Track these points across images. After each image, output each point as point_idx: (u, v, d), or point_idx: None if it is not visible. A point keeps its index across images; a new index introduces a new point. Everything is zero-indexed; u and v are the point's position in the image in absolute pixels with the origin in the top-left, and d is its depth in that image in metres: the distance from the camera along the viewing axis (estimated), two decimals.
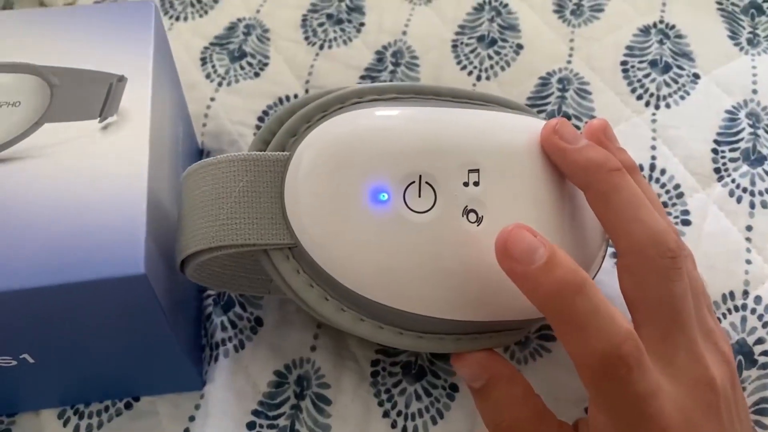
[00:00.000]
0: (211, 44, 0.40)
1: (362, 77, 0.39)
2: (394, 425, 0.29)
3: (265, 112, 0.37)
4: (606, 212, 0.24)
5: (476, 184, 0.23)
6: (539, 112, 0.37)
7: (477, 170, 0.23)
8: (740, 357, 0.29)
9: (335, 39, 0.40)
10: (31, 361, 0.26)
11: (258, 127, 0.37)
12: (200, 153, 0.36)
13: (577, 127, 0.36)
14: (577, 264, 0.22)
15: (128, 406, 0.30)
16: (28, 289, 0.22)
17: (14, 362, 0.26)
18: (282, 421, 0.29)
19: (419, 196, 0.22)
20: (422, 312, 0.23)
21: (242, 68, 0.39)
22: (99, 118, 0.26)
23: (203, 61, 0.39)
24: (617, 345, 0.21)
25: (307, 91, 0.38)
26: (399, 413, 0.29)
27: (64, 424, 0.29)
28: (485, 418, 0.25)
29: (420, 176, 0.22)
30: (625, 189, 0.24)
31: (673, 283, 0.23)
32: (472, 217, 0.22)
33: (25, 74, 0.27)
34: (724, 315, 0.30)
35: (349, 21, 0.41)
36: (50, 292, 0.22)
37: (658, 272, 0.23)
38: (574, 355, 0.22)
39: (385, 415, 0.29)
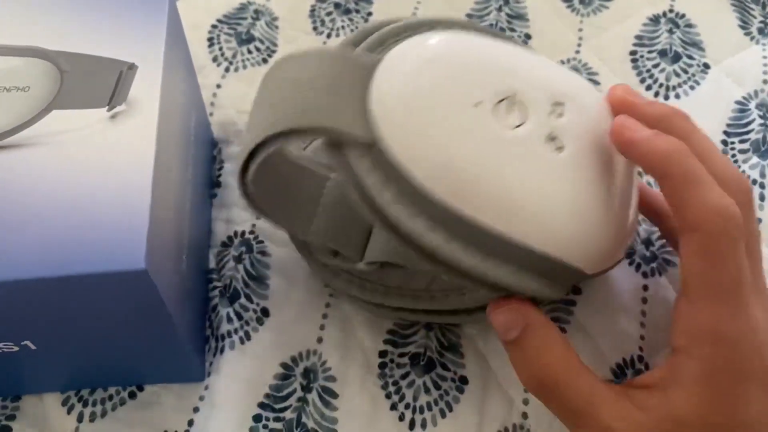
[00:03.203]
0: (219, 22, 0.40)
1: None
2: (401, 418, 0.29)
3: None
4: (685, 191, 0.23)
5: (560, 115, 0.24)
6: None
7: (562, 104, 0.24)
8: None
9: (342, 28, 0.40)
10: (33, 347, 0.25)
11: None
12: (213, 142, 0.36)
13: None
14: None
15: (132, 395, 0.29)
16: (28, 280, 0.22)
17: (16, 348, 0.25)
18: (288, 414, 0.29)
19: (510, 113, 0.23)
20: (495, 225, 0.23)
21: (250, 52, 0.39)
22: (107, 107, 0.26)
23: (210, 42, 0.39)
24: (731, 203, 0.22)
25: None
26: (407, 406, 0.29)
27: (68, 411, 0.29)
28: (519, 369, 0.25)
29: (510, 95, 0.23)
30: (698, 132, 0.25)
31: (750, 217, 0.24)
32: (555, 144, 0.23)
33: (35, 59, 0.26)
34: None
35: (357, 11, 0.40)
36: (51, 283, 0.22)
37: (733, 246, 0.23)
38: (690, 214, 0.23)
39: (393, 407, 0.29)
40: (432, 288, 0.28)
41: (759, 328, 0.23)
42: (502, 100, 0.23)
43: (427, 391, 0.29)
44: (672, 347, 0.24)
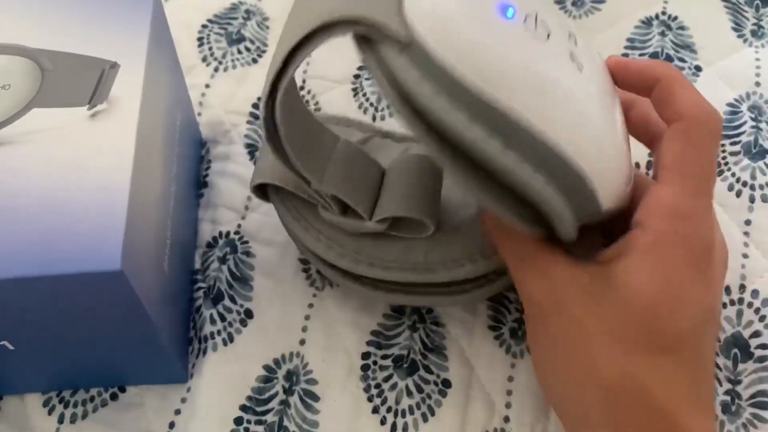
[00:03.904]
0: (210, 21, 0.39)
1: (360, 68, 0.38)
2: (383, 422, 0.28)
3: (260, 99, 0.37)
4: (674, 88, 0.25)
5: (575, 43, 0.25)
6: None
7: (574, 35, 0.25)
8: (736, 350, 0.29)
9: None
10: (11, 347, 0.25)
11: (253, 115, 0.36)
12: (201, 142, 0.36)
13: None
14: None
15: (114, 397, 0.29)
16: (3, 280, 0.22)
17: None
18: (270, 417, 0.29)
19: (535, 28, 0.24)
20: (533, 122, 0.23)
21: (240, 52, 0.38)
22: (88, 106, 0.25)
23: (200, 41, 0.39)
24: (715, 108, 0.25)
25: (304, 81, 0.38)
26: (389, 409, 0.29)
27: (49, 413, 0.29)
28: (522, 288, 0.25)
29: (537, 14, 0.24)
30: (681, 75, 0.26)
31: (716, 151, 0.25)
32: (576, 63, 0.24)
33: (16, 56, 0.26)
34: (724, 305, 0.30)
35: None
36: (27, 283, 0.22)
37: (711, 139, 0.25)
38: (679, 104, 0.25)
39: (375, 411, 0.29)
40: (430, 260, 0.28)
41: (714, 224, 0.25)
42: (527, 18, 0.23)
43: (410, 394, 0.29)
44: (632, 226, 0.24)
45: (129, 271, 0.22)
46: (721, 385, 0.28)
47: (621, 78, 0.26)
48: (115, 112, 0.25)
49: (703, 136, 0.24)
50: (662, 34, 0.38)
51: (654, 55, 0.37)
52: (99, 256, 0.22)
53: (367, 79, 0.38)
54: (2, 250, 0.22)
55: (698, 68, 0.37)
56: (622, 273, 0.23)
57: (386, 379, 0.29)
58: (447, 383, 0.29)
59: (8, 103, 0.25)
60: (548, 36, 0.24)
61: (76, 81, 0.26)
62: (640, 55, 0.38)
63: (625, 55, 0.38)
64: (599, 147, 0.24)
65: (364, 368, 0.29)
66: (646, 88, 0.26)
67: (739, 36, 0.38)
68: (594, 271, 0.24)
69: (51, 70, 0.26)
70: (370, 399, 0.29)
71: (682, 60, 0.37)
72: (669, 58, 0.37)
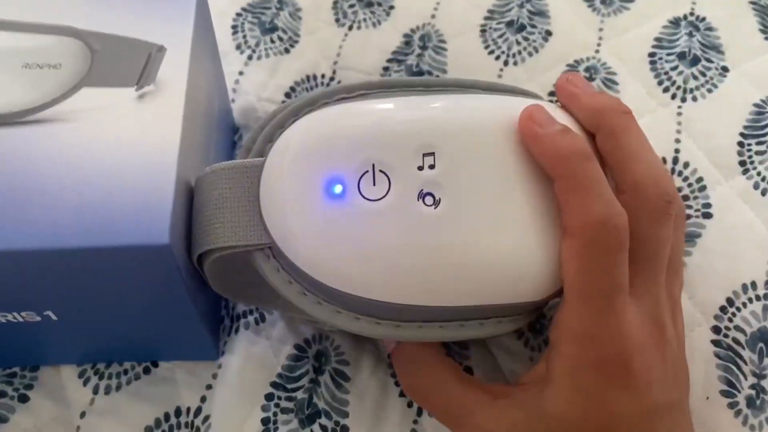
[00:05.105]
0: (244, 10, 0.40)
1: (389, 60, 0.39)
2: (410, 404, 0.29)
3: (293, 89, 0.38)
4: (614, 150, 0.25)
5: (432, 167, 0.23)
6: None
7: (432, 153, 0.23)
8: (761, 344, 0.30)
9: (364, 20, 0.40)
10: (54, 318, 0.26)
11: None
12: (235, 129, 0.36)
13: None
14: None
15: (147, 370, 0.30)
16: (53, 250, 0.23)
17: (38, 318, 0.26)
18: (300, 394, 0.29)
19: (374, 185, 0.23)
20: (392, 300, 0.23)
21: (272, 42, 0.39)
22: (136, 87, 0.26)
23: (234, 29, 0.40)
24: (616, 214, 0.23)
25: (334, 72, 0.38)
26: None
27: (84, 383, 0.30)
28: (400, 380, 0.27)
29: (373, 165, 0.23)
30: (634, 131, 0.25)
31: (661, 226, 0.24)
32: (429, 200, 0.23)
33: (67, 37, 0.27)
34: (744, 305, 0.30)
35: (379, 4, 0.41)
36: (75, 254, 0.23)
37: (652, 211, 0.24)
38: (573, 217, 0.23)
39: (402, 394, 0.29)
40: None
41: (628, 332, 0.23)
42: (365, 174, 0.23)
43: None
44: (550, 343, 0.25)
45: (174, 246, 0.23)
46: (746, 379, 0.29)
47: (528, 146, 0.24)
48: (162, 93, 0.26)
49: (597, 256, 0.23)
50: (690, 34, 0.39)
51: (681, 55, 0.38)
52: (147, 230, 0.23)
53: (396, 71, 0.38)
54: (52, 222, 0.23)
55: (725, 69, 0.37)
56: (547, 402, 0.24)
57: None
58: (469, 370, 0.30)
59: (59, 82, 0.26)
60: (388, 188, 0.23)
61: (125, 62, 0.27)
62: (668, 54, 0.38)
63: (653, 54, 0.38)
64: (485, 276, 0.23)
65: (391, 356, 0.30)
66: (550, 175, 0.23)
67: (767, 38, 0.38)
68: (523, 402, 0.24)
69: (100, 51, 0.27)
70: (397, 383, 0.29)
71: (709, 60, 0.38)
72: (696, 59, 0.38)
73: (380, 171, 0.23)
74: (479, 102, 0.25)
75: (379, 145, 0.23)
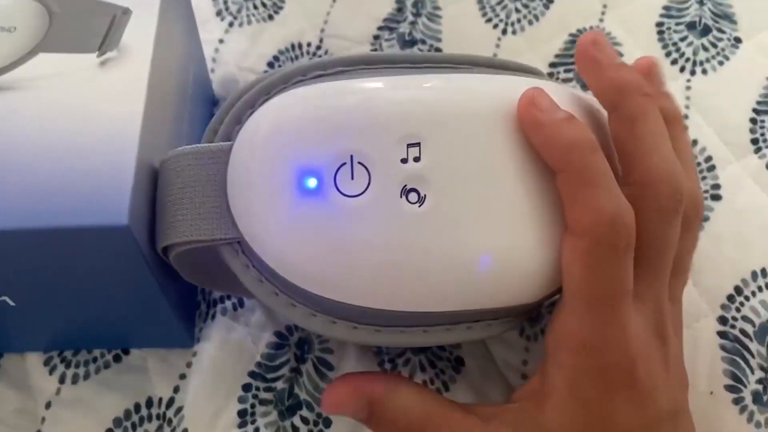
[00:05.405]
0: None
1: (380, 28, 0.36)
2: None
3: (276, 58, 0.35)
4: (628, 137, 0.22)
5: (417, 159, 0.20)
6: (566, 71, 0.35)
7: (417, 144, 0.20)
8: None
9: None
10: (12, 303, 0.24)
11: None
12: (214, 101, 0.34)
13: None
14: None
15: (117, 358, 0.28)
16: (4, 231, 0.21)
17: None
18: (280, 384, 0.28)
19: (352, 179, 0.20)
20: (371, 305, 0.21)
21: (255, 8, 0.37)
22: (97, 52, 0.24)
23: None
24: (623, 212, 0.20)
25: (321, 40, 0.36)
26: None
27: (50, 372, 0.28)
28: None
29: (351, 156, 0.20)
30: (653, 119, 0.23)
31: (670, 227, 0.22)
32: (413, 197, 0.20)
33: None
34: (753, 293, 0.29)
35: None
36: (29, 235, 0.21)
37: (661, 210, 0.22)
38: (577, 215, 0.21)
39: None
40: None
41: (632, 339, 0.21)
42: (342, 166, 0.20)
43: (423, 369, 0.28)
44: (545, 352, 0.23)
45: (136, 227, 0.21)
46: (753, 373, 0.27)
47: (528, 133, 0.21)
48: (126, 60, 0.24)
49: (602, 257, 0.20)
50: (700, 2, 0.36)
51: (691, 25, 0.36)
52: (105, 209, 0.21)
53: (387, 39, 0.36)
54: (2, 201, 0.21)
55: (738, 40, 0.35)
56: (547, 418, 0.22)
57: (400, 354, 0.28)
58: (460, 360, 0.28)
59: (13, 46, 0.24)
60: (368, 183, 0.20)
61: (86, 26, 0.24)
62: (677, 24, 0.36)
63: (660, 24, 0.36)
64: (473, 278, 0.21)
65: None
66: (552, 167, 0.21)
67: None
68: (520, 422, 0.22)
69: (59, 12, 0.25)
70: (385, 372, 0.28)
71: (720, 31, 0.35)
72: (707, 29, 0.35)
73: (359, 163, 0.20)
74: (472, 84, 0.22)
75: (359, 133, 0.20)
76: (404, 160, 0.20)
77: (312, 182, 0.20)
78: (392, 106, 0.21)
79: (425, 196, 0.20)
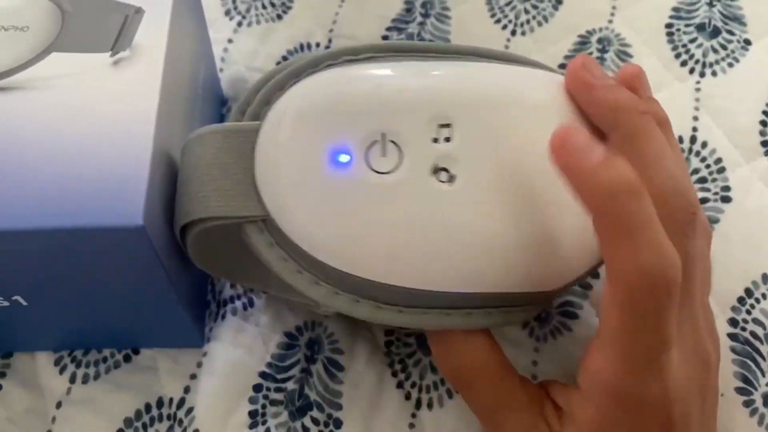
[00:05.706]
0: None
1: (389, 28, 0.36)
2: (408, 397, 0.27)
3: (285, 58, 0.35)
4: (632, 157, 0.21)
5: (447, 140, 0.21)
6: None
7: (449, 125, 0.21)
8: None
9: None
10: (24, 303, 0.24)
11: None
12: (223, 100, 0.34)
13: None
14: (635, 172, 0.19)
15: (127, 358, 0.28)
16: (19, 231, 0.21)
17: (6, 303, 0.24)
18: (291, 385, 0.28)
19: (383, 156, 0.21)
20: (397, 283, 0.21)
21: (264, 7, 0.37)
22: (110, 52, 0.24)
23: None
24: (667, 265, 0.19)
25: (330, 40, 0.36)
26: (413, 385, 0.27)
27: (61, 371, 0.28)
28: (440, 362, 0.23)
29: (383, 134, 0.21)
30: (654, 135, 0.22)
31: (689, 240, 0.22)
32: (443, 176, 0.21)
33: None
34: (764, 296, 0.29)
35: None
36: (43, 235, 0.21)
37: (676, 225, 0.21)
38: (616, 265, 0.19)
39: (399, 386, 0.27)
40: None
41: (674, 386, 0.20)
42: (374, 144, 0.21)
43: (434, 370, 0.28)
44: (578, 379, 0.22)
45: (150, 227, 0.21)
46: (763, 376, 0.27)
47: (562, 172, 0.20)
48: (139, 60, 0.24)
49: (644, 310, 0.19)
50: (710, 4, 0.36)
51: (701, 27, 0.36)
52: (120, 209, 0.21)
53: (397, 39, 0.36)
54: (16, 200, 0.21)
55: (747, 42, 0.35)
56: None
57: (410, 356, 0.28)
58: None
59: (26, 45, 0.24)
60: (399, 160, 0.21)
61: (99, 25, 0.24)
62: (686, 25, 0.36)
63: (670, 25, 0.36)
64: (495, 264, 0.21)
65: (388, 344, 0.28)
66: (589, 211, 0.20)
67: None
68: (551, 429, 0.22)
69: (72, 12, 0.25)
70: (394, 374, 0.28)
71: (730, 32, 0.35)
72: (717, 31, 0.35)
73: (391, 141, 0.21)
74: (502, 72, 0.23)
75: (391, 112, 0.21)
76: (435, 140, 0.21)
77: (343, 158, 0.21)
78: (425, 87, 0.22)
79: (455, 175, 0.21)
